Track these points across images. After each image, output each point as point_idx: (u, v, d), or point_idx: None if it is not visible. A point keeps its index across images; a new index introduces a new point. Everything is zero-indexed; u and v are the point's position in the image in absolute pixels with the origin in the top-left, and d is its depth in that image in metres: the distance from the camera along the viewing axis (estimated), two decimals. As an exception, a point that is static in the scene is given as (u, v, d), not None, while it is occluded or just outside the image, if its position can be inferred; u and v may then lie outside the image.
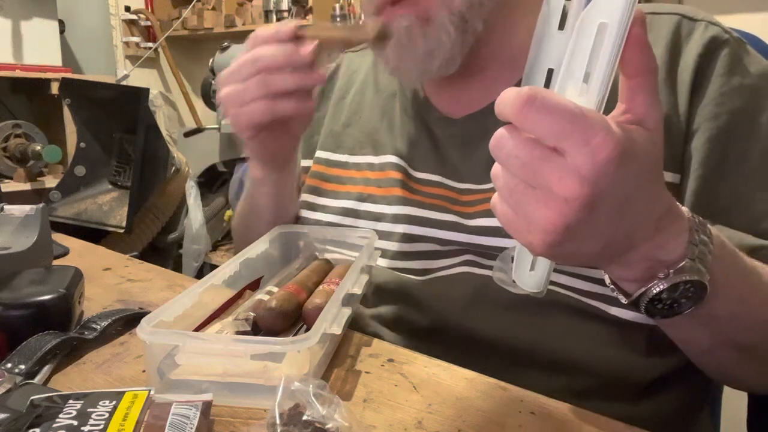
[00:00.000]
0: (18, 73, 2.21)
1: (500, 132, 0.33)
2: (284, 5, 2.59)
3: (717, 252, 0.39)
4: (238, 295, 0.54)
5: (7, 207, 0.67)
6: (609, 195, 0.31)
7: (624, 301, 0.40)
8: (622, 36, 0.31)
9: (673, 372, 0.55)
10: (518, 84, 0.33)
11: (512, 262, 0.39)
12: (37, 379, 0.43)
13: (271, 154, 0.63)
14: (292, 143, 0.65)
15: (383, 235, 0.63)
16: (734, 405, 0.72)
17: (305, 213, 0.71)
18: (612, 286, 0.41)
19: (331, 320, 0.42)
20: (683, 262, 0.37)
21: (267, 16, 2.66)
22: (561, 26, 0.34)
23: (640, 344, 0.53)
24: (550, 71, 0.34)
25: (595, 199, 0.31)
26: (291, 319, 0.49)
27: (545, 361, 0.54)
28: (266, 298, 0.49)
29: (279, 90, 0.54)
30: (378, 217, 0.64)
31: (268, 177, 0.66)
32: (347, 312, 0.45)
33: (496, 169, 0.35)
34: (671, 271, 0.37)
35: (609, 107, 0.33)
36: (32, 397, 0.36)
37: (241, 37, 2.80)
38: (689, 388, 0.57)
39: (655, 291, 0.37)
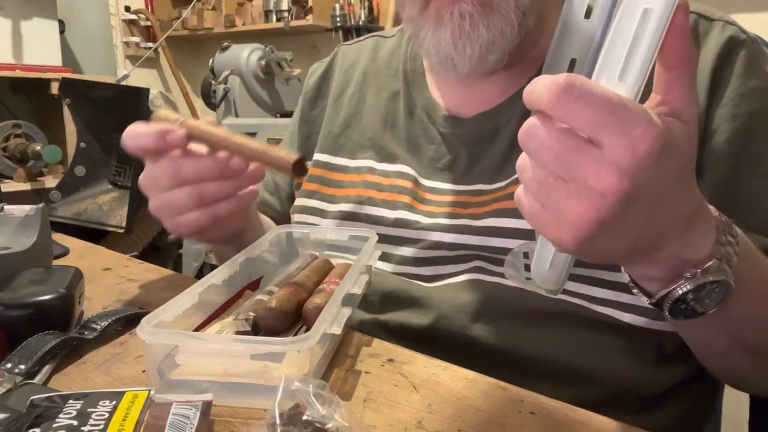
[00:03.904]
0: (18, 73, 2.21)
1: (531, 122, 0.31)
2: (284, 5, 2.60)
3: (742, 253, 0.38)
4: (238, 295, 0.54)
5: (7, 207, 0.67)
6: (646, 190, 0.30)
7: (646, 301, 0.39)
8: (665, 23, 0.30)
9: (681, 383, 0.54)
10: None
11: (525, 258, 0.38)
12: (37, 379, 0.43)
13: (222, 238, 0.61)
14: (243, 221, 0.62)
15: (391, 240, 0.62)
16: (734, 406, 0.72)
17: (302, 217, 0.69)
18: (633, 286, 0.40)
19: (331, 320, 0.42)
20: (710, 262, 0.36)
21: (267, 16, 2.67)
22: (587, 15, 0.33)
23: (649, 355, 0.53)
24: (573, 61, 0.33)
25: (633, 193, 0.29)
26: (291, 319, 0.49)
27: (552, 372, 0.53)
28: (266, 298, 0.49)
29: (216, 198, 0.52)
30: (378, 221, 0.63)
31: (226, 246, 0.64)
32: (347, 312, 0.45)
33: (524, 161, 0.33)
34: (698, 270, 0.36)
35: (641, 99, 0.32)
36: (32, 397, 0.36)
37: (241, 37, 2.80)
38: (696, 399, 0.56)
39: (680, 292, 0.36)
